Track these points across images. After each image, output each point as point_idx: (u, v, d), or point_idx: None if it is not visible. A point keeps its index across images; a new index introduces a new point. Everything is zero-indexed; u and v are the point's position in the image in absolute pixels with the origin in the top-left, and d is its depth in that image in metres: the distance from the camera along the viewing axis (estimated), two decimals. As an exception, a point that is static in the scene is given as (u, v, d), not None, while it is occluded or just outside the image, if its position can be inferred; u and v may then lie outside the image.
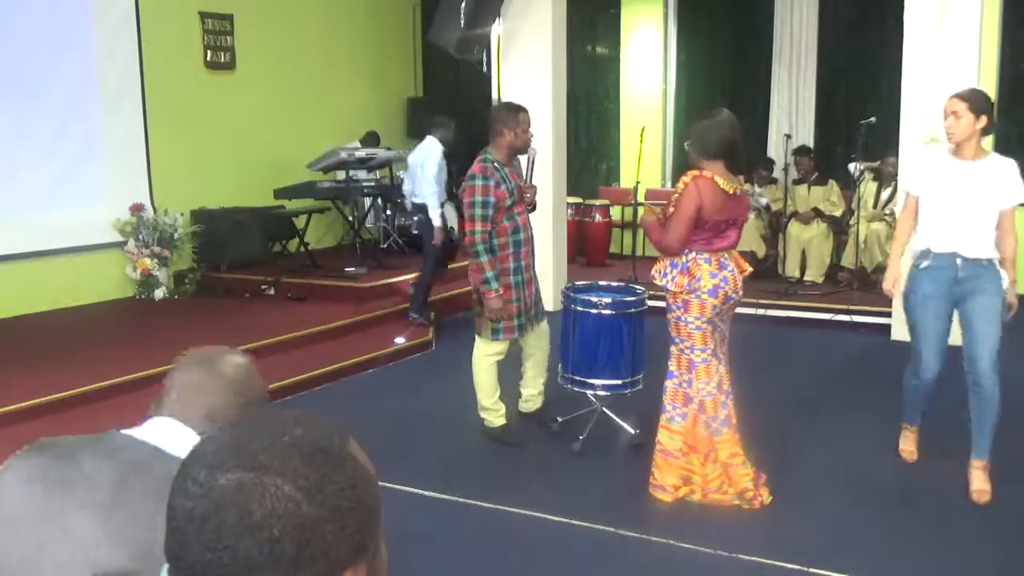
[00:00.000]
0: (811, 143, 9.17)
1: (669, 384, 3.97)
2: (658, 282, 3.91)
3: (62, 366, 5.46)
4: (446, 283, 7.64)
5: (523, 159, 4.76)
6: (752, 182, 8.73)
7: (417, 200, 6.93)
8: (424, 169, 6.81)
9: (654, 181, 10.01)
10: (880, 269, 7.92)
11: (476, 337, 4.71)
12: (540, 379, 4.96)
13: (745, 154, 4.09)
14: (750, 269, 4.09)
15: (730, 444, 3.91)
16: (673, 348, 3.96)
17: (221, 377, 1.56)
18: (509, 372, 4.92)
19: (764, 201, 8.58)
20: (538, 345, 4.86)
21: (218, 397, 1.54)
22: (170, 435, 1.48)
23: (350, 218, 8.95)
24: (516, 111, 4.61)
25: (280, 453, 0.82)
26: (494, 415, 4.75)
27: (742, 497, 3.91)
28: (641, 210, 9.09)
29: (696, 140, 3.90)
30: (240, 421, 0.88)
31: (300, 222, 8.44)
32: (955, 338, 4.08)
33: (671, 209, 3.84)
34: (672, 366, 3.97)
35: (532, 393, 4.98)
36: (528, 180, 4.73)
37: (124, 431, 1.50)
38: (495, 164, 4.52)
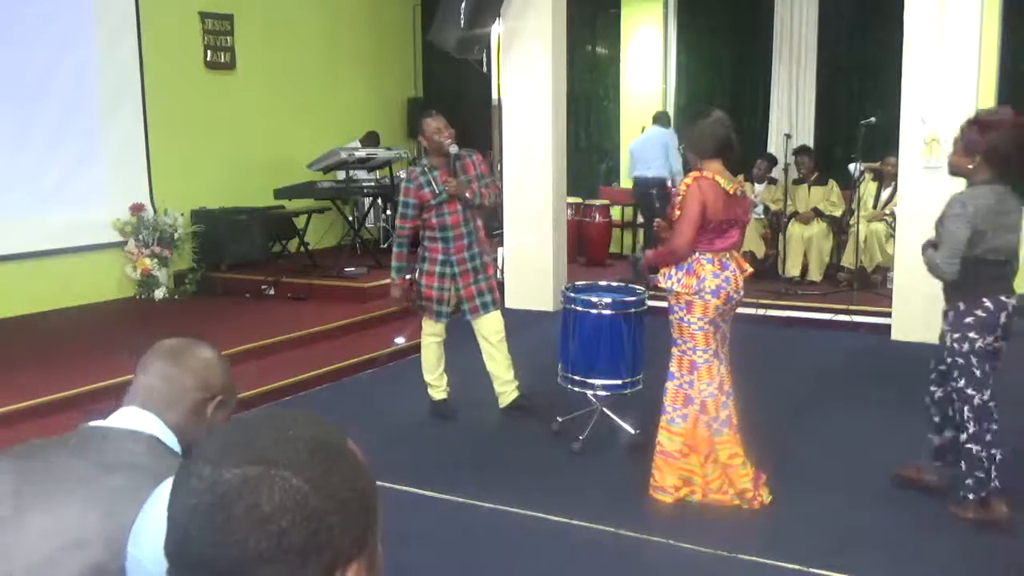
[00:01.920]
0: (811, 143, 9.18)
1: (670, 385, 3.97)
2: (662, 284, 3.91)
3: (62, 366, 5.45)
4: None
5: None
6: (751, 180, 8.73)
7: (651, 174, 8.49)
8: (670, 148, 8.49)
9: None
10: (880, 269, 7.93)
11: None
12: (504, 366, 5.05)
13: (740, 150, 4.09)
14: (750, 269, 4.09)
15: (730, 445, 3.91)
16: (675, 349, 3.96)
17: (186, 369, 1.60)
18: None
19: (760, 208, 8.58)
20: (489, 337, 4.99)
21: (181, 388, 1.57)
22: (135, 421, 1.53)
23: (350, 218, 8.96)
24: (423, 117, 5.01)
25: (286, 447, 0.83)
26: (433, 390, 5.12)
27: (742, 497, 3.91)
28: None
29: (691, 141, 3.92)
30: (242, 419, 0.88)
31: (300, 222, 8.44)
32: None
33: (676, 212, 3.85)
34: (673, 367, 3.97)
35: (503, 381, 5.08)
36: (454, 174, 4.88)
37: (93, 423, 1.53)
38: (424, 167, 4.93)
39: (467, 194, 4.84)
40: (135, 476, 1.37)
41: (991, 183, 3.62)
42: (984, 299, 3.58)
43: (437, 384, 5.14)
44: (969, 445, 3.65)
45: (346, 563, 0.83)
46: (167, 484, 1.25)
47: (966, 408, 3.63)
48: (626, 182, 9.91)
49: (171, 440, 1.56)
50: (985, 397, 3.62)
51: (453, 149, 4.87)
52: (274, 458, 0.81)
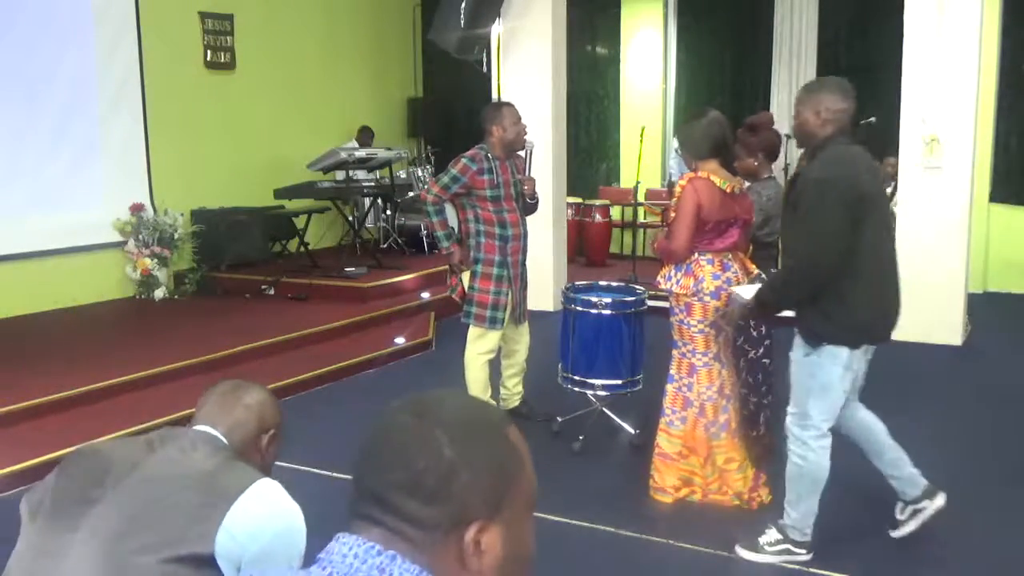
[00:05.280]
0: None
1: (669, 388, 3.97)
2: (663, 287, 3.91)
3: (62, 366, 5.45)
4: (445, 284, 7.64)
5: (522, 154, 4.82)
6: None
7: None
8: None
9: (654, 181, 10.00)
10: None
11: (468, 338, 4.78)
12: (518, 377, 5.01)
13: (735, 151, 4.14)
14: (756, 271, 4.08)
15: (727, 449, 3.90)
16: (675, 351, 3.96)
17: (244, 404, 1.87)
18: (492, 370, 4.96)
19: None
20: (519, 345, 4.92)
21: (240, 419, 1.85)
22: (204, 429, 1.84)
23: (350, 218, 8.96)
24: (499, 107, 4.71)
25: (444, 411, 1.01)
26: None
27: (740, 498, 3.91)
28: (641, 210, 9.12)
29: (687, 142, 3.93)
30: (430, 392, 1.06)
31: (300, 222, 8.44)
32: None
33: (672, 214, 3.85)
34: (673, 369, 3.97)
35: (509, 391, 5.02)
36: (527, 173, 4.76)
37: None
38: (488, 155, 4.62)
39: (537, 196, 4.75)
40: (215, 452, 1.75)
41: (772, 177, 4.40)
42: (762, 274, 4.00)
43: None
44: (742, 390, 4.02)
45: (473, 519, 0.96)
46: (265, 482, 1.66)
47: (741, 360, 4.01)
48: (627, 182, 9.93)
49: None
50: (759, 353, 3.98)
51: (530, 145, 4.70)
52: (431, 413, 0.99)
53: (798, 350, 3.32)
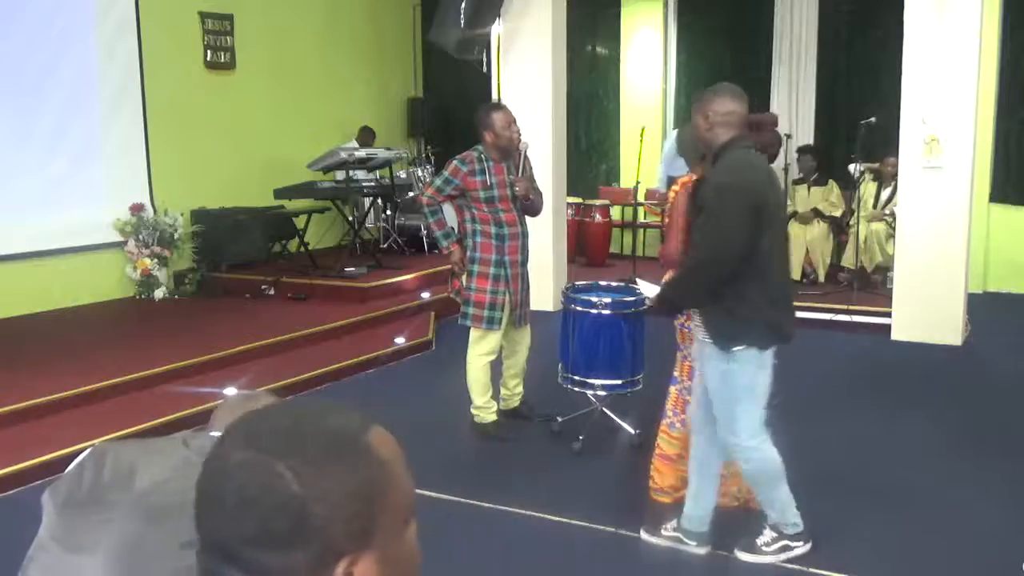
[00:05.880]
0: (811, 143, 9.16)
1: (672, 390, 3.97)
2: None
3: (62, 366, 5.45)
4: (445, 284, 7.64)
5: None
6: None
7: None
8: None
9: (654, 181, 9.99)
10: (880, 269, 7.93)
11: (470, 340, 4.78)
12: (519, 378, 5.01)
13: None
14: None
15: None
16: (678, 354, 3.96)
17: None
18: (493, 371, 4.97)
19: None
20: (520, 346, 4.92)
21: None
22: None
23: (350, 218, 8.96)
24: (490, 111, 4.69)
25: (283, 437, 0.85)
26: (485, 412, 4.84)
27: (739, 500, 3.91)
28: (641, 210, 9.12)
29: (683, 146, 3.94)
30: (270, 407, 0.92)
31: (300, 222, 8.44)
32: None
33: (666, 220, 3.86)
34: (676, 372, 3.97)
35: (510, 392, 5.03)
36: (519, 174, 4.73)
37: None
38: (481, 155, 4.63)
39: (531, 196, 4.70)
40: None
41: None
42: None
43: (488, 406, 4.82)
44: None
45: (340, 555, 0.84)
46: None
47: None
48: (626, 182, 9.94)
49: None
50: None
51: (524, 146, 4.69)
52: (268, 446, 0.84)
53: (711, 361, 3.31)
